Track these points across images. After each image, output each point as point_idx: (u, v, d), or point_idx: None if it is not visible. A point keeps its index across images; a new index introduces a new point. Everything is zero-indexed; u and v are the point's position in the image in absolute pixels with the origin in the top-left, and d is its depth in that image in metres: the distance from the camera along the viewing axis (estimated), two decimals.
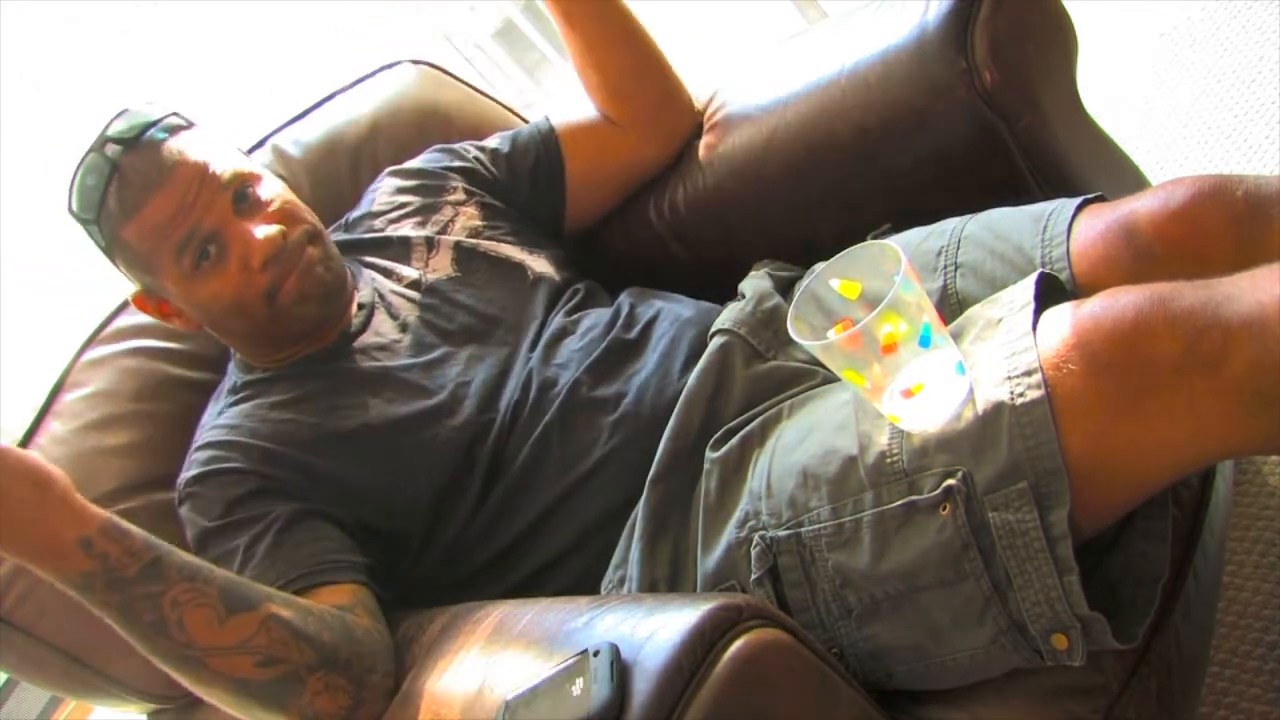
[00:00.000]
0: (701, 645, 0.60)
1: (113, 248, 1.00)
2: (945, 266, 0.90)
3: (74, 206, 0.98)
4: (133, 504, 1.10)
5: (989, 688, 0.74)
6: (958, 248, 0.90)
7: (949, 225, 0.94)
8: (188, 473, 0.99)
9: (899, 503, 0.71)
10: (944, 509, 0.69)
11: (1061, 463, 0.65)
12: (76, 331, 1.23)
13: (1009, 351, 0.70)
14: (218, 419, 1.03)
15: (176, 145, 0.98)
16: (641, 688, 0.58)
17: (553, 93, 6.03)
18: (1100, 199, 0.87)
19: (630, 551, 0.89)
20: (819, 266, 0.75)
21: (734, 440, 0.88)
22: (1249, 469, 1.16)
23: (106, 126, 0.98)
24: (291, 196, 1.06)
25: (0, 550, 0.73)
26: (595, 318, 1.08)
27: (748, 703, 0.59)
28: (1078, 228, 0.84)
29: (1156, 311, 0.64)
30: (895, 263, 0.67)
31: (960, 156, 1.00)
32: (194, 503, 0.98)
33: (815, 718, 0.64)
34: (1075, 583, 0.65)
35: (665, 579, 0.87)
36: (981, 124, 0.97)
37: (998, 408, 0.68)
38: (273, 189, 1.04)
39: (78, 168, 0.98)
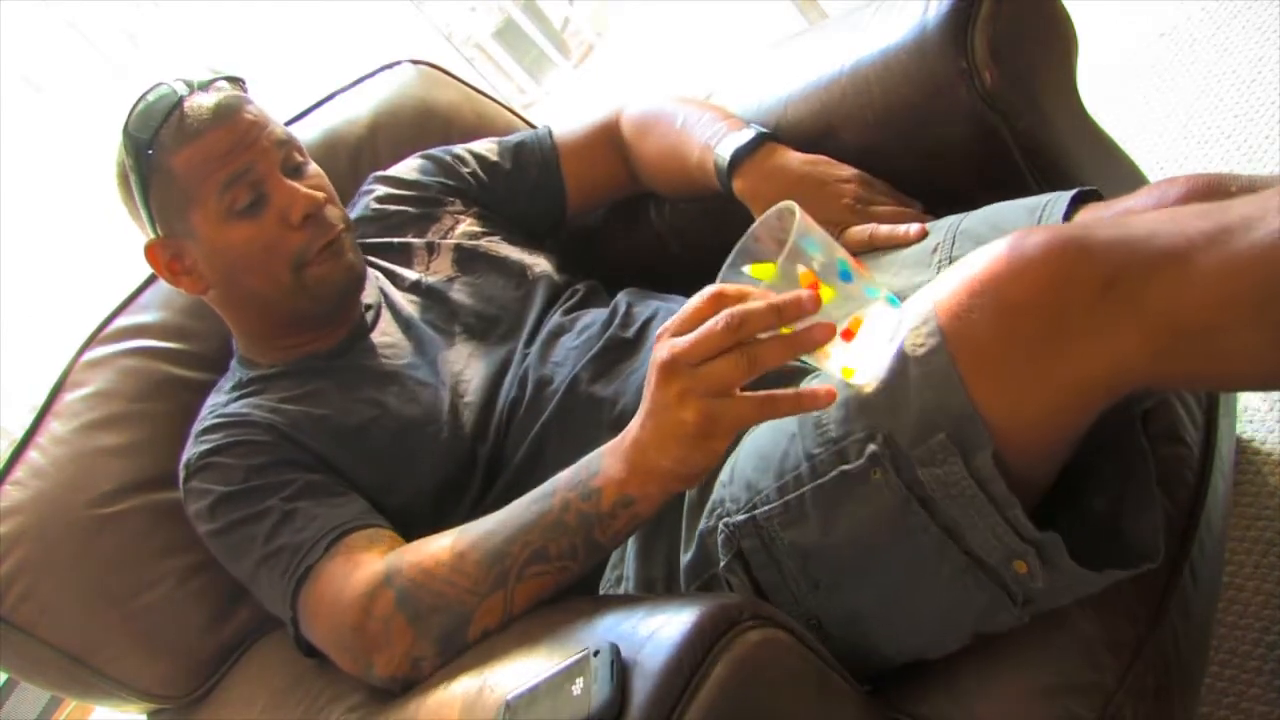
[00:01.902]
0: (701, 645, 0.60)
1: (153, 178, 0.98)
2: (939, 261, 0.90)
3: (131, 127, 0.97)
4: (133, 504, 1.10)
5: (987, 686, 0.74)
6: (953, 243, 0.90)
7: (946, 221, 0.94)
8: (198, 449, 0.98)
9: (832, 474, 0.71)
10: (874, 474, 0.69)
11: (971, 406, 0.65)
12: (76, 331, 1.23)
13: (912, 305, 0.70)
14: (224, 408, 1.02)
15: (241, 97, 1.01)
16: (642, 687, 0.58)
17: (552, 92, 6.04)
18: (1095, 193, 0.87)
19: (626, 551, 0.90)
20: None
21: None
22: (1249, 469, 1.16)
23: (179, 72, 1.00)
24: (330, 186, 1.07)
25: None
26: (592, 316, 1.08)
27: (748, 703, 0.59)
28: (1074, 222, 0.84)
29: (1070, 249, 0.63)
30: (792, 219, 0.66)
31: (960, 155, 1.00)
32: (210, 473, 0.97)
33: (815, 717, 0.64)
34: (1018, 514, 0.66)
35: (662, 578, 0.87)
36: (981, 123, 0.97)
37: (903, 362, 0.68)
38: (318, 170, 1.06)
39: (144, 93, 0.98)
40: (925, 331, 0.67)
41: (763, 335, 0.66)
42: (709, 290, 0.68)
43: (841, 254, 0.67)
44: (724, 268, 0.72)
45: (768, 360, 0.66)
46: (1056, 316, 0.62)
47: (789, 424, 0.76)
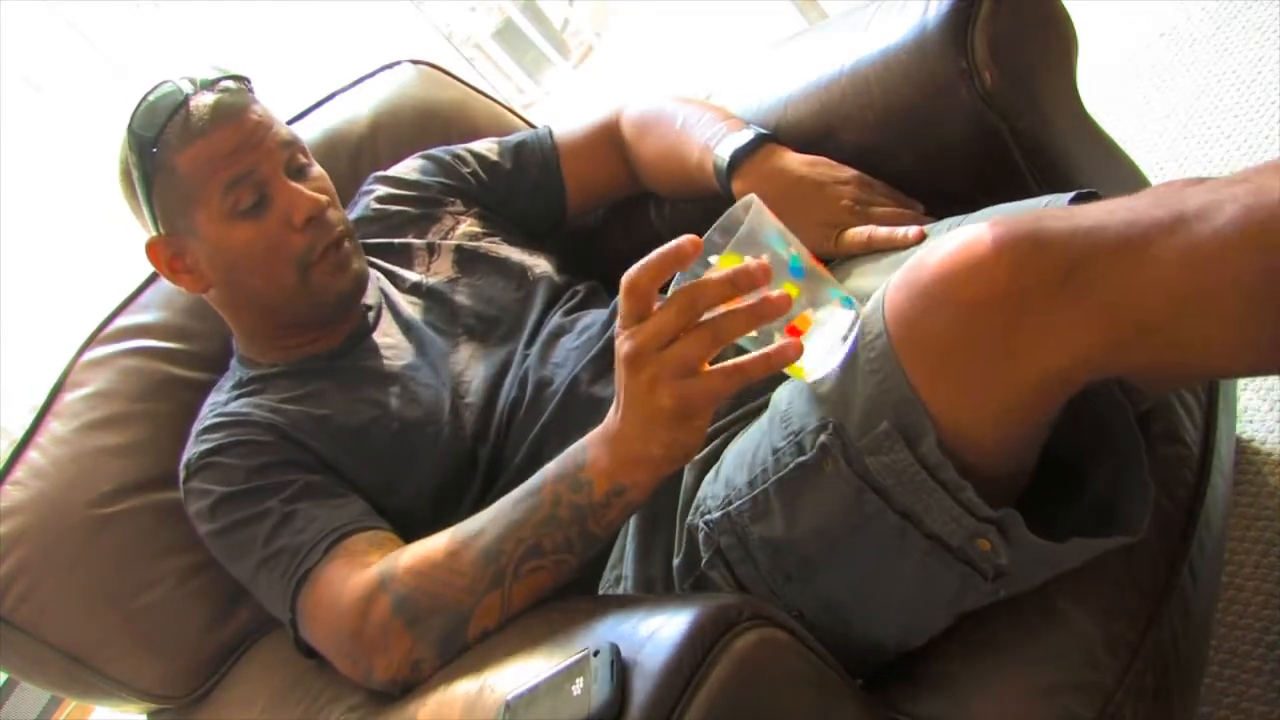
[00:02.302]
0: (701, 645, 0.60)
1: (156, 176, 0.98)
2: None
3: (136, 124, 0.97)
4: (133, 504, 1.10)
5: (985, 685, 0.74)
6: None
7: (945, 224, 0.94)
8: (199, 448, 0.98)
9: (791, 466, 0.72)
10: (827, 465, 0.69)
11: (911, 393, 0.65)
12: (76, 331, 1.23)
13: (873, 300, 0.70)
14: (225, 407, 1.02)
15: (247, 96, 1.01)
16: (642, 687, 0.58)
17: (552, 92, 6.04)
18: (1094, 194, 0.87)
19: (625, 551, 0.90)
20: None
21: (718, 440, 0.88)
22: (1249, 469, 1.16)
23: (186, 69, 1.00)
24: (333, 189, 1.06)
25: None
26: (592, 317, 1.09)
27: (747, 702, 0.59)
28: None
29: (1024, 243, 0.62)
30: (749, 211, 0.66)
31: (960, 156, 1.00)
32: (210, 472, 0.96)
33: (814, 717, 0.64)
34: (971, 497, 0.66)
35: (661, 577, 0.87)
36: (981, 124, 0.97)
37: (855, 354, 0.68)
38: (321, 173, 1.06)
39: (149, 91, 0.98)
40: (873, 319, 0.67)
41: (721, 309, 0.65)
42: (623, 282, 0.68)
43: (796, 249, 0.67)
44: (692, 267, 0.71)
45: (730, 331, 0.66)
46: (1012, 311, 0.62)
47: (764, 420, 0.77)
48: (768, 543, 0.75)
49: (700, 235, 0.68)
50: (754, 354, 0.67)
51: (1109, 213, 0.63)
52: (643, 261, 0.66)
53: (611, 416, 0.73)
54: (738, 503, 0.77)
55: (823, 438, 0.69)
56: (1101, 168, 1.07)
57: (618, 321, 0.69)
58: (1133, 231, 0.60)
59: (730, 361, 0.67)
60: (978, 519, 0.67)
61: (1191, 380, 0.86)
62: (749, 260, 0.65)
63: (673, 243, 0.65)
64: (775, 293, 0.65)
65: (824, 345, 0.68)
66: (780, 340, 0.68)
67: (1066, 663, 0.70)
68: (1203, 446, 0.85)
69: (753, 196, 0.67)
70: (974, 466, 0.66)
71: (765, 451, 0.75)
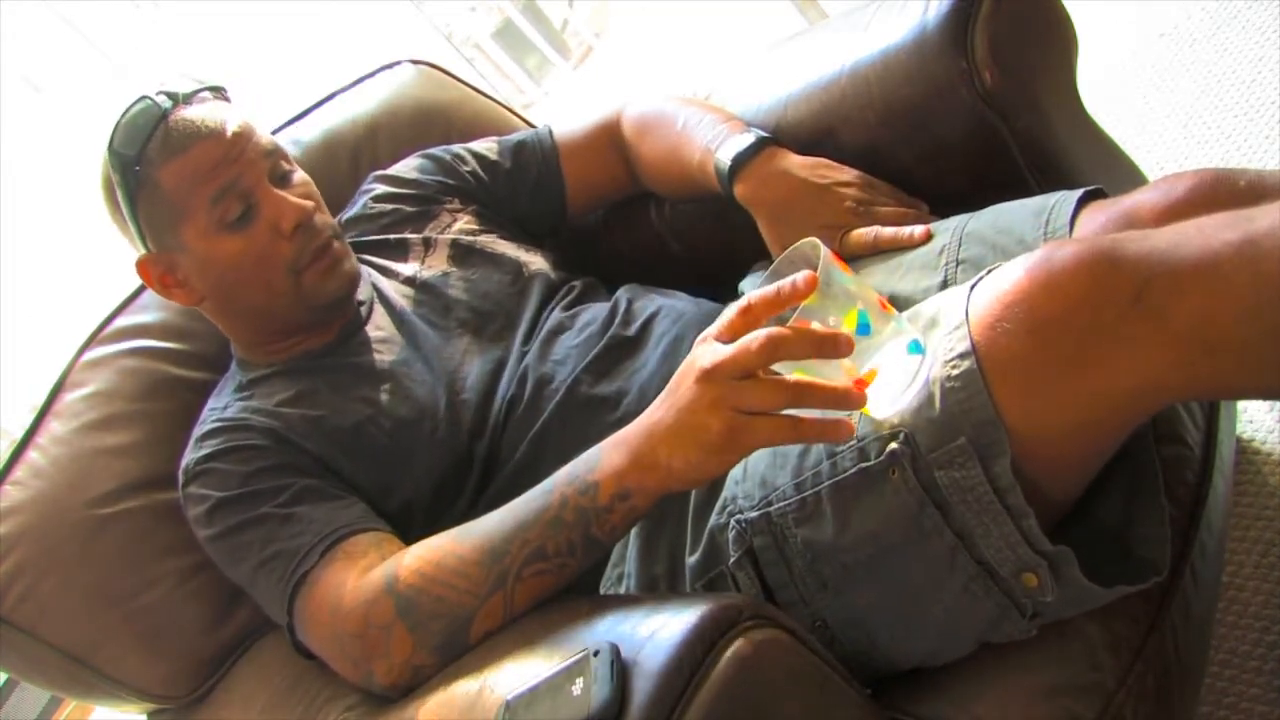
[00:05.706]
0: (701, 645, 0.60)
1: (140, 193, 0.98)
2: (946, 264, 0.90)
3: (116, 143, 0.97)
4: (133, 504, 1.10)
5: (987, 686, 0.74)
6: (959, 245, 0.90)
7: (951, 223, 0.94)
8: (197, 453, 0.98)
9: (852, 471, 0.72)
10: (893, 473, 0.69)
11: (994, 412, 0.65)
12: (76, 331, 1.23)
13: (946, 313, 0.71)
14: (224, 412, 1.02)
15: (226, 107, 1.00)
16: (641, 687, 0.58)
17: (551, 93, 6.04)
18: (1100, 192, 0.87)
19: (628, 549, 0.90)
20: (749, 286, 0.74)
21: None
22: (1249, 469, 1.16)
23: (162, 84, 0.99)
24: (318, 193, 1.06)
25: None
26: (593, 313, 1.08)
27: (748, 703, 0.59)
28: (1080, 222, 0.84)
29: (1101, 263, 0.63)
30: (818, 254, 0.67)
31: (960, 155, 1.00)
32: (208, 478, 0.96)
33: (815, 717, 0.64)
34: (1032, 526, 0.66)
35: (664, 576, 0.87)
36: (981, 123, 0.97)
37: (931, 368, 0.69)
38: (305, 178, 1.06)
39: (127, 108, 0.97)
40: (958, 336, 0.68)
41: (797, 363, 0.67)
42: (742, 301, 0.69)
43: (865, 304, 0.68)
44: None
45: (809, 401, 0.67)
46: (1086, 330, 0.63)
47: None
48: (810, 546, 0.75)
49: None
50: (815, 421, 0.68)
51: (1182, 234, 0.63)
52: (765, 292, 0.67)
53: (647, 414, 0.74)
54: (780, 504, 0.76)
55: (893, 445, 0.69)
56: (1101, 167, 1.06)
57: (714, 327, 0.70)
58: (1204, 252, 0.61)
59: (791, 416, 0.68)
60: (1034, 550, 0.67)
61: (1248, 399, 0.86)
62: (833, 323, 0.66)
63: (789, 280, 0.66)
64: (864, 371, 0.67)
65: (890, 392, 0.70)
66: (840, 414, 0.68)
67: (1068, 664, 0.70)
68: (1204, 448, 0.85)
69: (819, 244, 0.67)
70: (1034, 494, 0.66)
71: (818, 454, 0.74)
